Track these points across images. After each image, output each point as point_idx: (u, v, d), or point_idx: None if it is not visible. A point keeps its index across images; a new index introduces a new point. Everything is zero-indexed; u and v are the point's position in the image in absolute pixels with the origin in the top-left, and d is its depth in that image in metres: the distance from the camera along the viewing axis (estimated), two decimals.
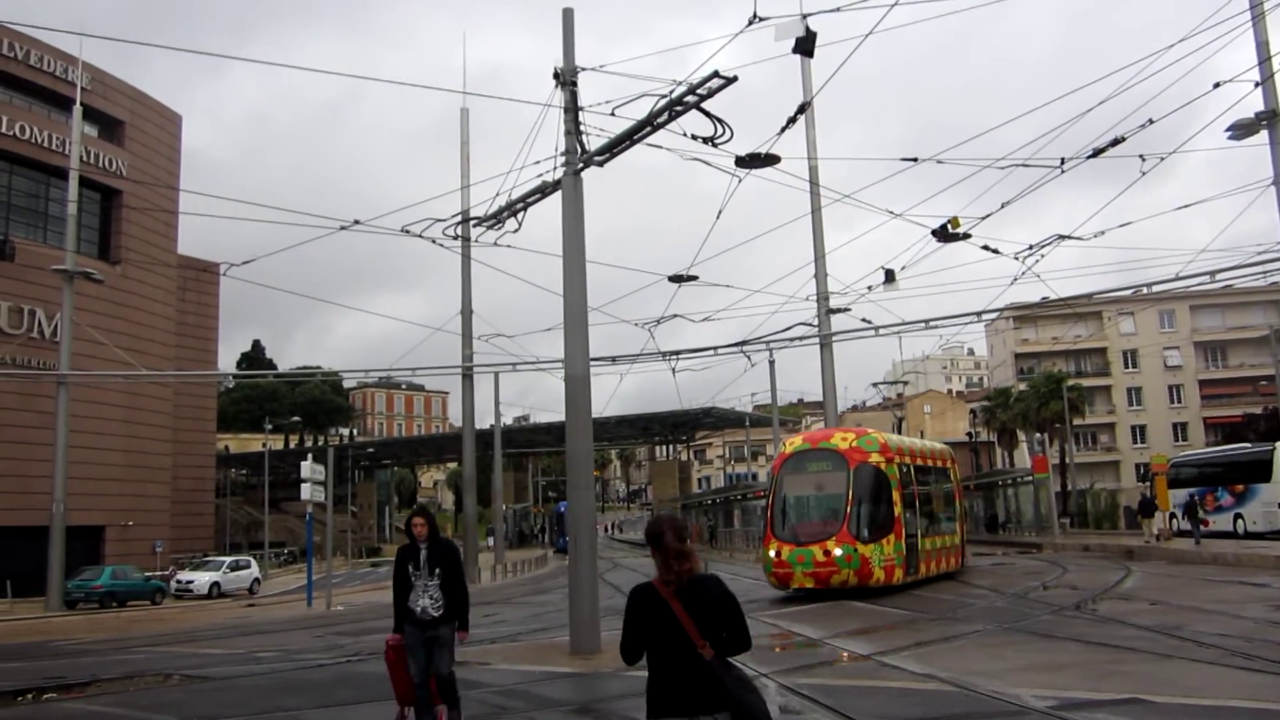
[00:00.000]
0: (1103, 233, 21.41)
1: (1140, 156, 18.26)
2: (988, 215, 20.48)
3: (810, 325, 30.33)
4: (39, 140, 47.80)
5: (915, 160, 18.82)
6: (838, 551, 19.84)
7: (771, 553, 21.04)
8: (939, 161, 18.61)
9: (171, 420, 55.50)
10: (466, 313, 32.75)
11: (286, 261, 50.60)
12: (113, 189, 51.40)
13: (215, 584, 42.71)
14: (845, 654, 12.77)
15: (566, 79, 14.87)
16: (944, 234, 21.16)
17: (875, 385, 32.21)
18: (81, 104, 41.03)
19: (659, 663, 4.53)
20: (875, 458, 21.18)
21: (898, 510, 20.95)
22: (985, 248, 22.11)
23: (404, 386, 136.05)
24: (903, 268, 25.05)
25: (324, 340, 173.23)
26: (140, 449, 51.04)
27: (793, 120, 15.35)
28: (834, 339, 30.95)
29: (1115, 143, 17.50)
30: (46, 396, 39.91)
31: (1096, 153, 17.74)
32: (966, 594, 20.88)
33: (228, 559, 48.61)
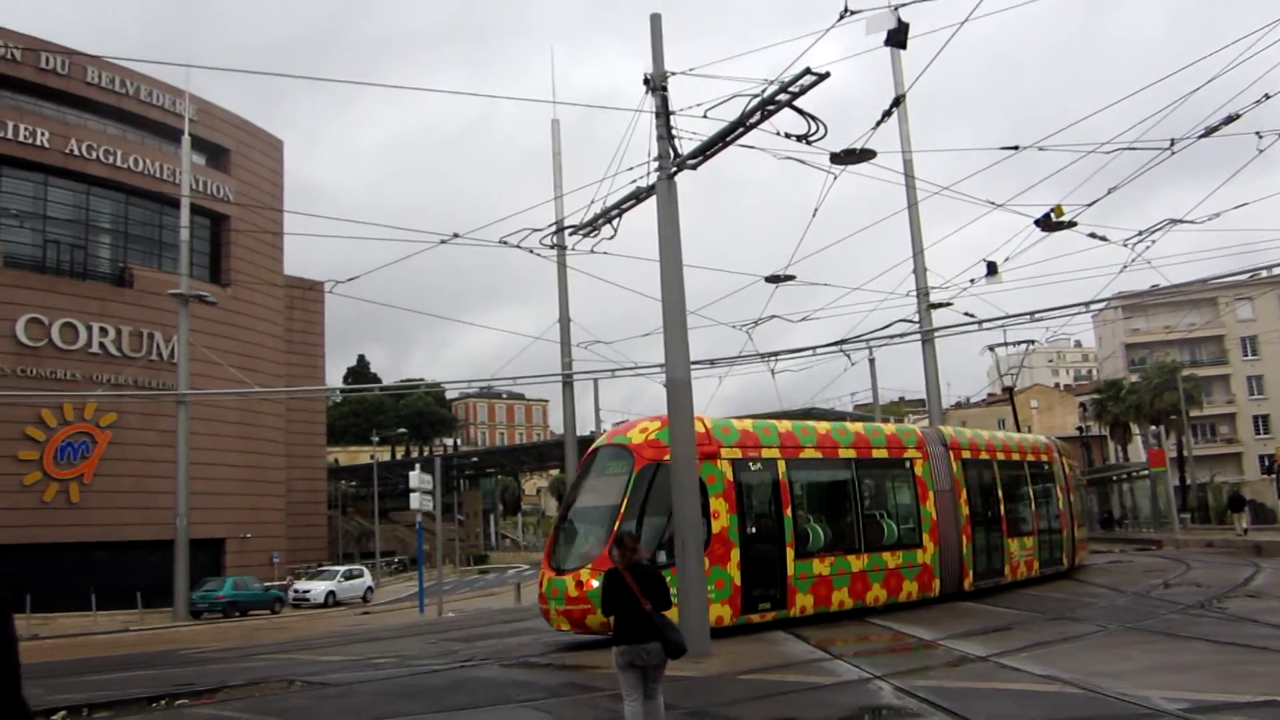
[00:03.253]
0: (1217, 215, 20.46)
1: (1256, 134, 17.44)
2: (1094, 202, 19.80)
3: (911, 321, 29.80)
4: (151, 171, 49.92)
5: (1016, 149, 18.32)
6: (594, 584, 14.38)
7: (540, 583, 16.49)
8: (1040, 149, 18.08)
9: (284, 435, 57.31)
10: (564, 321, 33.01)
11: (390, 278, 51.94)
12: (221, 214, 53.40)
13: (331, 593, 43.93)
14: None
15: (656, 84, 14.90)
16: (1047, 223, 20.53)
17: (990, 348, 30.98)
18: (189, 134, 42.68)
19: (621, 613, 7.80)
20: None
21: (721, 524, 15.68)
22: (1092, 235, 21.41)
23: (505, 396, 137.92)
24: (1005, 260, 24.37)
25: (427, 353, 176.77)
26: (256, 464, 52.83)
27: (888, 114, 15.12)
28: (936, 335, 30.35)
29: (1229, 120, 16.75)
30: (167, 415, 41.58)
31: (1209, 131, 17.02)
32: (1084, 593, 20.27)
33: (342, 568, 49.92)
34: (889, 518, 18.75)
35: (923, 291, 29.90)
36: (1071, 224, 20.35)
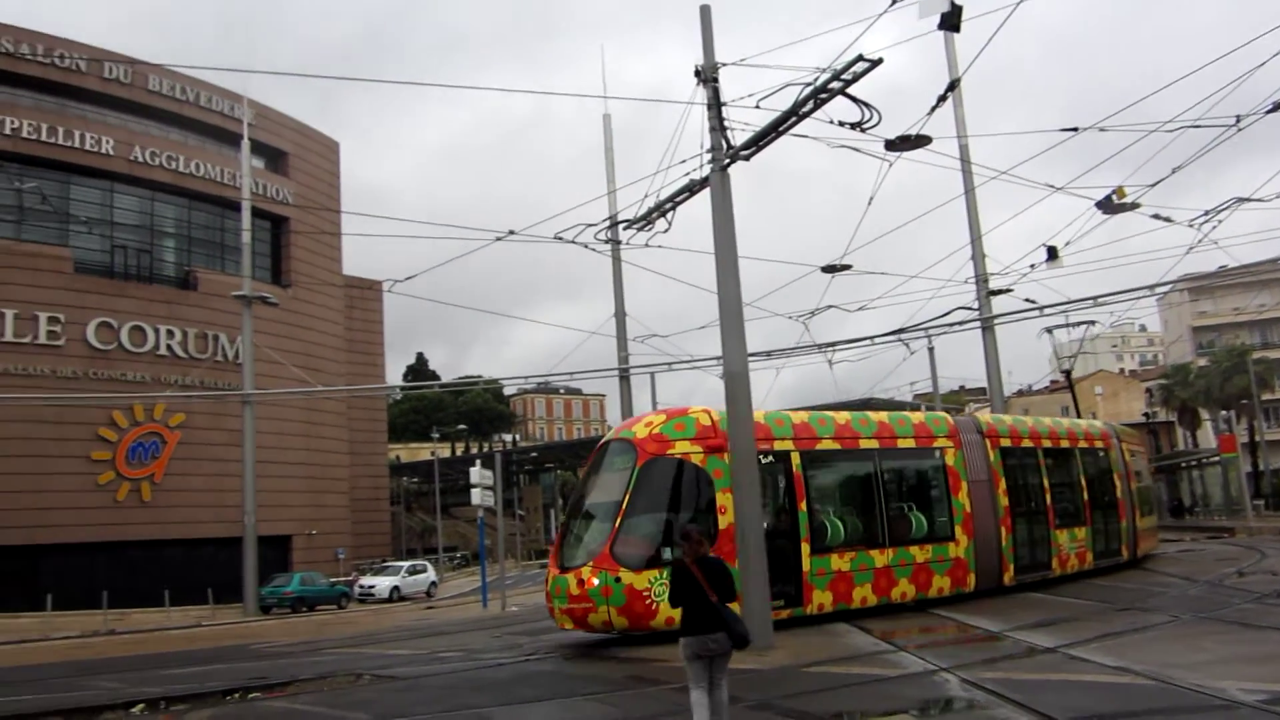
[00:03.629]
0: None
1: None
2: (1157, 182, 19.37)
3: (970, 309, 29.40)
4: (212, 176, 50.97)
5: (1075, 130, 17.99)
6: (594, 581, 14.49)
7: (546, 581, 16.40)
8: (1101, 130, 17.74)
9: (347, 433, 58.20)
10: (620, 315, 33.09)
11: (448, 276, 52.55)
12: (280, 216, 54.35)
13: (395, 588, 44.56)
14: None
15: (707, 76, 14.85)
16: (1109, 205, 20.13)
17: (1048, 330, 29.92)
18: (248, 138, 43.48)
19: (689, 605, 8.03)
20: (685, 447, 15.42)
21: (729, 520, 14.93)
22: (1156, 216, 20.96)
23: (562, 391, 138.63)
24: (1066, 244, 23.90)
25: (486, 350, 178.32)
26: (320, 461, 53.74)
27: (943, 98, 14.91)
28: (996, 322, 29.91)
29: None
30: (233, 415, 42.44)
31: (1276, 107, 16.57)
32: (1154, 583, 19.85)
33: (405, 564, 50.61)
34: (917, 510, 17.97)
35: (982, 278, 29.48)
36: (1134, 205, 19.94)
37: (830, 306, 25.62)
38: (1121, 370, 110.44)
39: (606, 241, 19.41)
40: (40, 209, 41.09)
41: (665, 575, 14.05)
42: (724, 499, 15.12)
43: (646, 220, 17.26)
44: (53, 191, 43.07)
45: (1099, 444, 22.76)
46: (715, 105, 14.84)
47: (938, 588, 17.44)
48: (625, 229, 18.12)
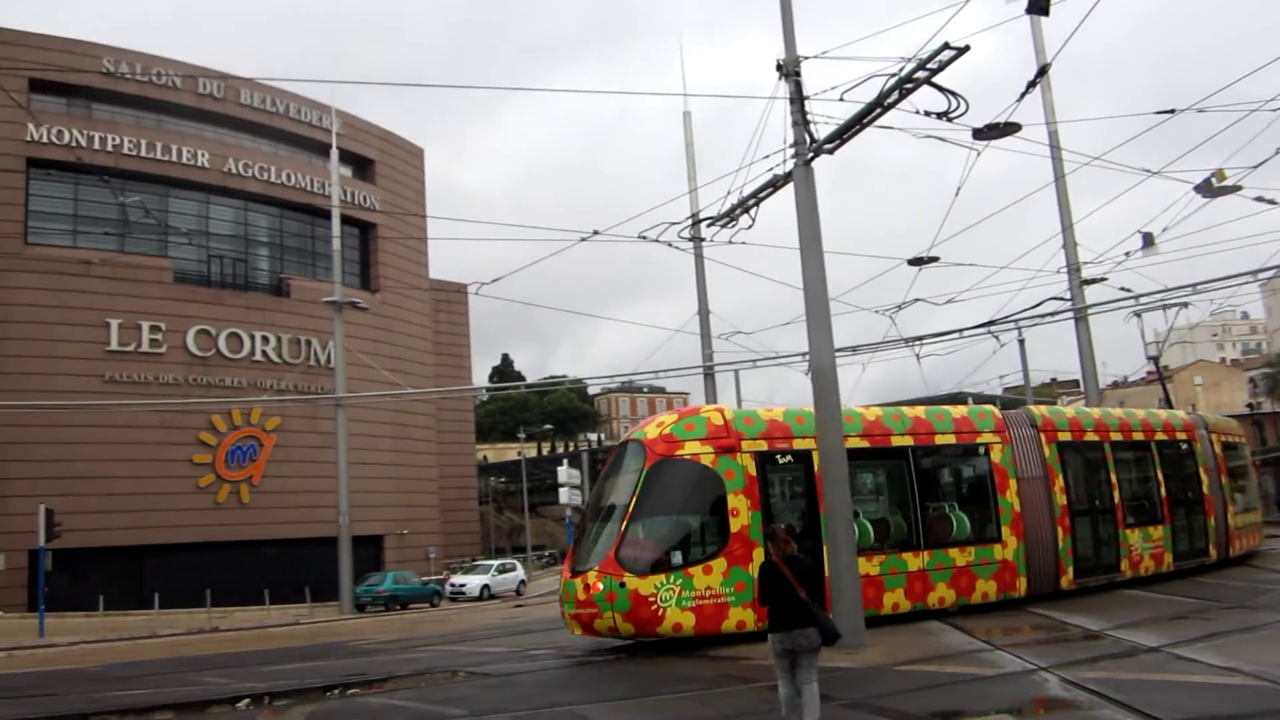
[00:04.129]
0: None
1: None
2: (1260, 164, 18.68)
3: (1062, 299, 28.67)
4: (302, 185, 52.30)
5: (1172, 112, 17.44)
6: (599, 586, 14.21)
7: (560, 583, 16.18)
8: (1199, 110, 17.16)
9: (435, 434, 59.18)
10: (703, 312, 33.07)
11: (533, 278, 53.17)
12: (368, 223, 55.53)
13: (486, 586, 45.14)
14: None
15: (789, 70, 14.76)
16: (1208, 189, 19.47)
17: (1136, 314, 28.06)
18: (336, 147, 44.51)
19: (777, 602, 8.27)
20: (695, 448, 14.98)
21: (741, 522, 14.73)
22: (1259, 199, 20.22)
23: (645, 390, 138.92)
24: (1163, 230, 23.20)
25: (571, 351, 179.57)
26: (409, 462, 54.75)
27: (1032, 84, 14.60)
28: (1089, 312, 29.13)
29: None
30: (326, 418, 43.50)
31: None
32: (1262, 580, 19.16)
33: (495, 562, 51.22)
34: (957, 510, 17.03)
35: (1074, 267, 28.77)
36: (1236, 189, 19.29)
37: (917, 300, 25.23)
38: (1223, 360, 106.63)
39: (689, 240, 19.41)
40: (142, 222, 42.56)
41: (673, 580, 14.22)
42: (736, 501, 14.78)
43: (729, 217, 17.24)
44: (153, 205, 44.56)
45: (1181, 436, 21.26)
46: (798, 99, 14.74)
47: (982, 592, 16.54)
48: (708, 226, 18.09)
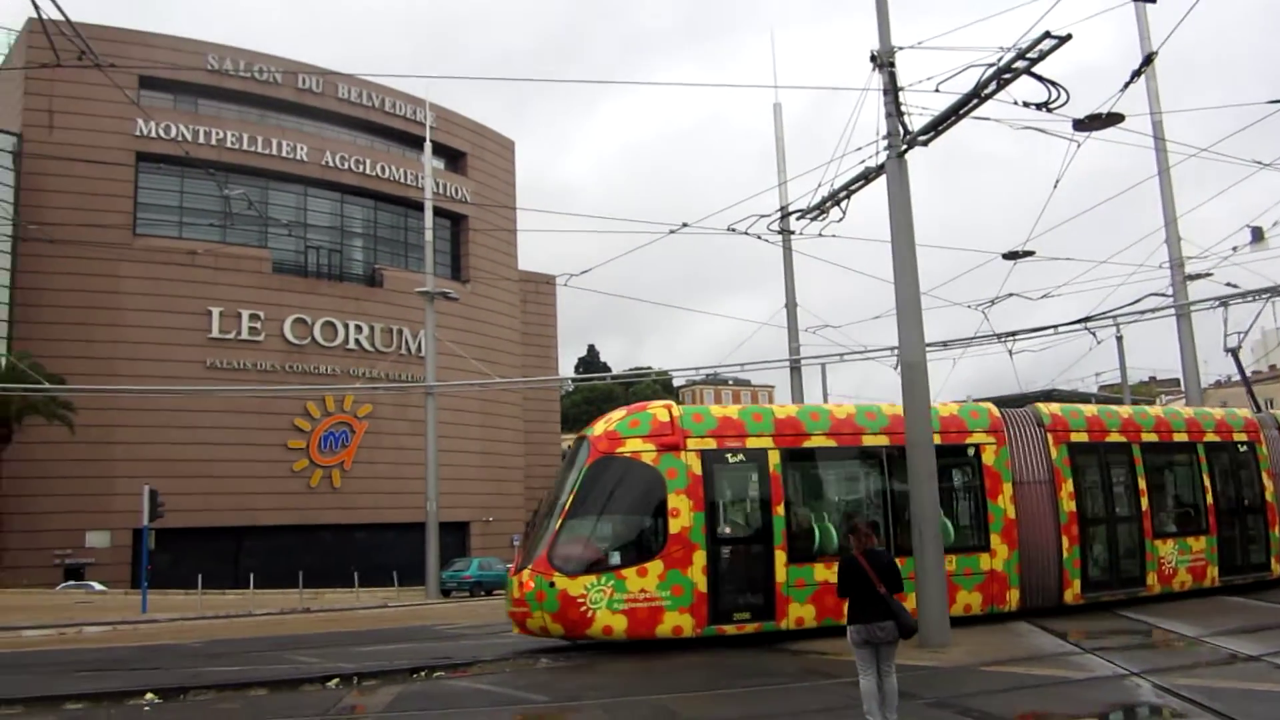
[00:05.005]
0: None
1: None
2: None
3: (1164, 295, 27.74)
4: (396, 177, 53.37)
5: None
6: (531, 585, 13.87)
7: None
8: None
9: (522, 424, 59.96)
10: (791, 305, 32.77)
11: (624, 270, 53.45)
12: (459, 215, 56.42)
13: None
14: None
15: (884, 60, 14.53)
16: None
17: (1222, 303, 25.49)
18: (430, 140, 45.28)
19: (857, 595, 8.41)
20: (637, 445, 14.36)
21: (682, 524, 14.03)
22: None
23: (730, 383, 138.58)
24: (1274, 224, 22.35)
25: (659, 343, 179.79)
26: (496, 450, 55.57)
27: (1137, 73, 14.17)
28: (1192, 309, 28.13)
29: None
30: (416, 406, 44.37)
31: None
32: None
33: None
34: (941, 515, 14.96)
35: (1176, 262, 27.77)
36: None
37: (1011, 295, 24.67)
38: None
39: (779, 232, 19.29)
40: (244, 214, 43.95)
41: (604, 581, 13.73)
42: (677, 501, 14.12)
43: (820, 209, 17.09)
44: (254, 197, 45.98)
45: (1239, 437, 18.92)
46: (892, 90, 14.51)
47: (964, 605, 15.11)
48: (798, 219, 17.97)
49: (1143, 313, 27.30)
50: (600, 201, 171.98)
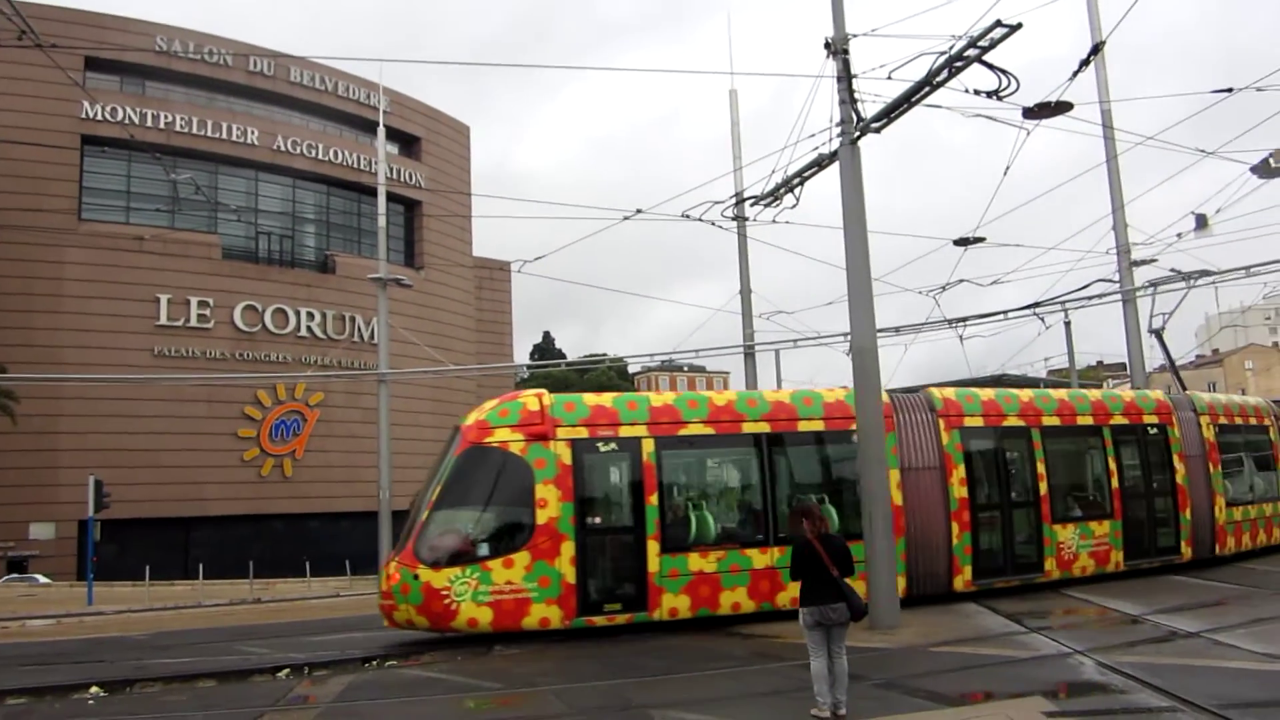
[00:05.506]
0: None
1: None
2: None
3: (1111, 281, 28.18)
4: (349, 162, 52.73)
5: (1229, 91, 17.05)
6: (396, 577, 13.75)
7: None
8: (1258, 89, 16.75)
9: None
10: (745, 292, 32.83)
11: (579, 256, 53.33)
12: (413, 200, 55.93)
13: None
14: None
15: (838, 48, 14.57)
16: (1266, 169, 19.09)
17: (1151, 285, 24.86)
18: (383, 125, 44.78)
19: (809, 578, 8.65)
20: (505, 435, 14.18)
21: (550, 514, 13.85)
22: None
23: (686, 369, 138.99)
24: (1217, 211, 22.74)
25: (614, 329, 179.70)
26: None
27: (1085, 62, 14.30)
28: (1138, 294, 28.59)
29: None
30: (369, 394, 43.95)
31: None
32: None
33: None
34: (823, 504, 14.68)
35: (1124, 249, 28.22)
36: None
37: (962, 281, 24.94)
38: (1276, 344, 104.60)
39: (733, 219, 19.31)
40: (193, 199, 43.24)
41: (469, 573, 13.57)
42: (544, 491, 13.91)
43: (774, 196, 17.11)
44: (203, 182, 45.24)
45: (1149, 419, 18.53)
46: (845, 78, 14.56)
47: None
48: (752, 205, 17.98)
49: (1090, 298, 27.73)
50: (560, 189, 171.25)
